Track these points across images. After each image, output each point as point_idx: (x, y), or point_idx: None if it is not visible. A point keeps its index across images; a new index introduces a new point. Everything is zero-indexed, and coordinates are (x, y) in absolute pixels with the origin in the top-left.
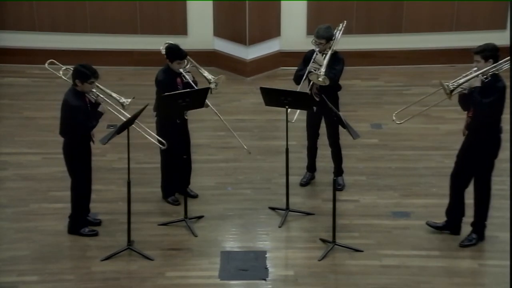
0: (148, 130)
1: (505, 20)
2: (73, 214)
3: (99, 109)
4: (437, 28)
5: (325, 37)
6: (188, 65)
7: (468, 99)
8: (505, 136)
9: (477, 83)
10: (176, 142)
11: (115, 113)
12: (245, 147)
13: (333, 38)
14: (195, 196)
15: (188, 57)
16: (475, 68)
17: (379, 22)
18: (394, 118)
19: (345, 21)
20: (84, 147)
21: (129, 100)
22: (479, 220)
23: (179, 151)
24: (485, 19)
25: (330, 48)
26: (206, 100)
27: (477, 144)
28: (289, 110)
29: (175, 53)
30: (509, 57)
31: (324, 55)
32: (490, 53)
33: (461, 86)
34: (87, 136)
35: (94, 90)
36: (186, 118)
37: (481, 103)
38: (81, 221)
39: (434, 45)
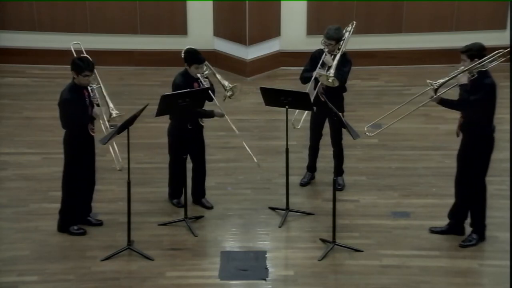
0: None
1: (505, 20)
2: (61, 210)
3: (93, 113)
4: (437, 28)
5: (335, 38)
6: (207, 71)
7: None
8: (504, 136)
9: (463, 80)
10: (187, 147)
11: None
12: (255, 159)
13: (343, 39)
14: (210, 208)
15: (207, 62)
16: (462, 67)
17: (379, 22)
18: (365, 131)
19: (354, 22)
20: (85, 141)
21: (118, 113)
22: (477, 221)
23: (190, 157)
24: (485, 19)
25: (339, 49)
26: (221, 110)
27: (470, 144)
28: (294, 116)
29: (193, 57)
30: (492, 54)
31: (333, 56)
32: (476, 52)
33: (446, 82)
34: (86, 130)
35: (94, 88)
36: (202, 124)
37: (467, 100)
38: (70, 218)
39: (434, 45)
